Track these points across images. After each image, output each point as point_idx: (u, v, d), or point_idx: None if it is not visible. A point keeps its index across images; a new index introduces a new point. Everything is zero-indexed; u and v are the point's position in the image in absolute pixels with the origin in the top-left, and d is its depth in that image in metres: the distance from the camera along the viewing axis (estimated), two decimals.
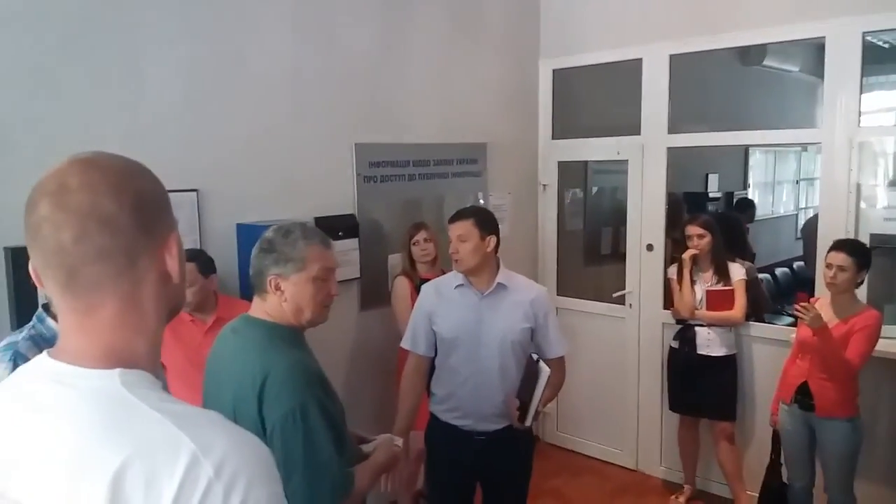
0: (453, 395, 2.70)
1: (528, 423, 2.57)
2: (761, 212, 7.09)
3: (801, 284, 6.76)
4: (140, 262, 0.88)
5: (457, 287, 2.71)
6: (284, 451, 1.60)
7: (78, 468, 0.80)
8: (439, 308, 2.72)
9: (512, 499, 2.82)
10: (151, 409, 0.83)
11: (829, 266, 3.04)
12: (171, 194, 0.97)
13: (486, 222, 2.66)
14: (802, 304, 2.96)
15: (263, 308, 1.77)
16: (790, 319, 5.30)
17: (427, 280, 3.46)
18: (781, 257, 7.53)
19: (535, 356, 2.58)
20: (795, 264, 7.48)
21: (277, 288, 1.73)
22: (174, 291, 0.95)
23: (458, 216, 2.68)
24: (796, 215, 8.30)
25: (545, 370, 2.50)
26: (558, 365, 2.77)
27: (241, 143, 3.20)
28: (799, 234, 7.70)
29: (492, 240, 2.65)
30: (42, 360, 0.90)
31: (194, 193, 2.98)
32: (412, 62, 3.98)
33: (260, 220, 3.17)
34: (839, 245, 3.07)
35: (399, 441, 2.04)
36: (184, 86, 3.01)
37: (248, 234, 3.11)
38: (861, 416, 3.10)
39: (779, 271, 7.34)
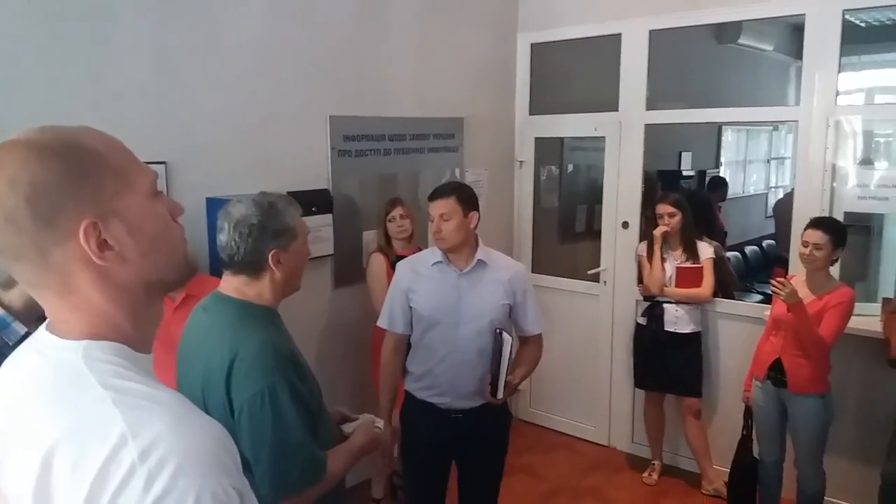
0: (430, 373, 2.67)
1: (499, 395, 2.54)
2: (732, 190, 7.14)
3: (771, 262, 6.88)
4: (52, 257, 0.84)
5: (434, 264, 2.66)
6: (252, 434, 1.56)
7: (21, 436, 0.82)
8: (416, 285, 2.68)
9: (488, 476, 2.81)
10: (98, 385, 0.81)
11: (805, 243, 3.05)
12: None
13: (468, 198, 2.61)
14: (779, 279, 2.97)
15: (238, 287, 1.69)
16: (759, 297, 5.40)
17: (403, 257, 3.41)
18: (752, 236, 7.62)
19: (498, 329, 2.55)
20: (765, 242, 7.59)
21: (278, 262, 1.67)
22: (133, 265, 0.88)
23: (439, 193, 2.62)
24: (766, 194, 8.38)
25: (508, 339, 2.49)
26: (536, 342, 2.77)
27: (211, 114, 3.10)
28: (770, 213, 7.79)
29: (474, 216, 2.61)
30: (40, 330, 0.91)
31: (162, 166, 2.87)
32: (389, 34, 3.89)
33: (231, 194, 3.05)
34: (816, 223, 3.08)
35: (380, 423, 2.00)
36: (153, 54, 2.89)
37: (218, 209, 2.99)
38: (832, 392, 3.14)
39: (749, 249, 7.43)
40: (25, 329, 1.65)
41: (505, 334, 2.51)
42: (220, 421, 1.46)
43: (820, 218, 3.18)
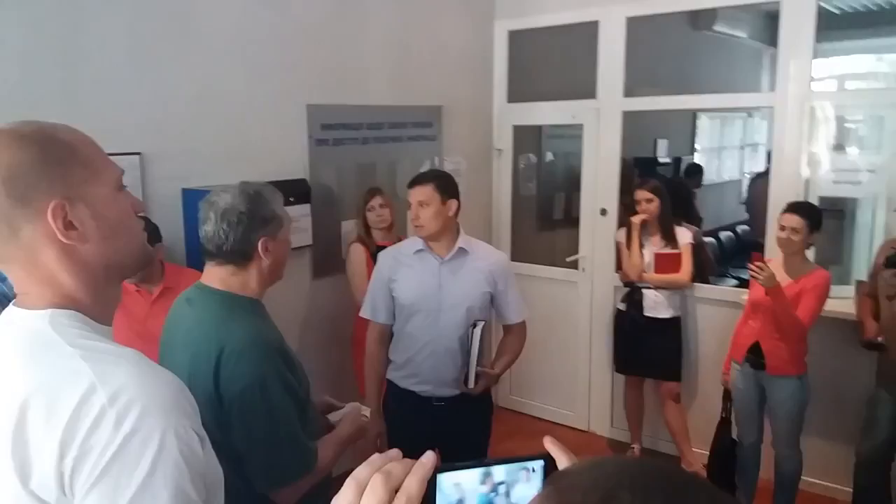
0: (412, 361, 2.67)
1: (469, 384, 2.55)
2: (707, 177, 7.20)
3: (746, 248, 6.96)
4: (22, 233, 0.93)
5: (416, 252, 2.66)
6: (245, 428, 1.54)
7: None
8: (398, 274, 2.67)
9: None
10: (66, 345, 0.90)
11: (782, 227, 3.08)
12: (112, 157, 1.03)
13: (447, 186, 2.61)
14: (757, 263, 3.00)
15: (224, 277, 1.66)
16: (735, 281, 5.47)
17: (383, 247, 3.39)
18: (726, 221, 7.70)
19: (473, 322, 2.56)
20: (740, 228, 7.68)
21: (266, 249, 1.64)
22: (95, 247, 0.97)
23: (418, 180, 2.62)
24: (741, 180, 8.47)
25: (478, 328, 2.51)
26: (518, 330, 2.78)
27: (187, 103, 3.05)
28: (743, 199, 7.88)
29: (453, 204, 2.61)
30: (11, 306, 1.00)
31: (137, 157, 2.82)
32: (366, 21, 3.85)
33: (207, 184, 3.02)
34: (793, 207, 3.11)
35: (366, 411, 2.00)
36: (128, 43, 2.83)
37: (194, 200, 2.96)
38: (808, 374, 3.19)
39: (723, 235, 7.52)
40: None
41: (478, 322, 2.52)
42: (207, 414, 1.46)
43: (796, 202, 3.22)
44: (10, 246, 0.94)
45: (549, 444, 0.70)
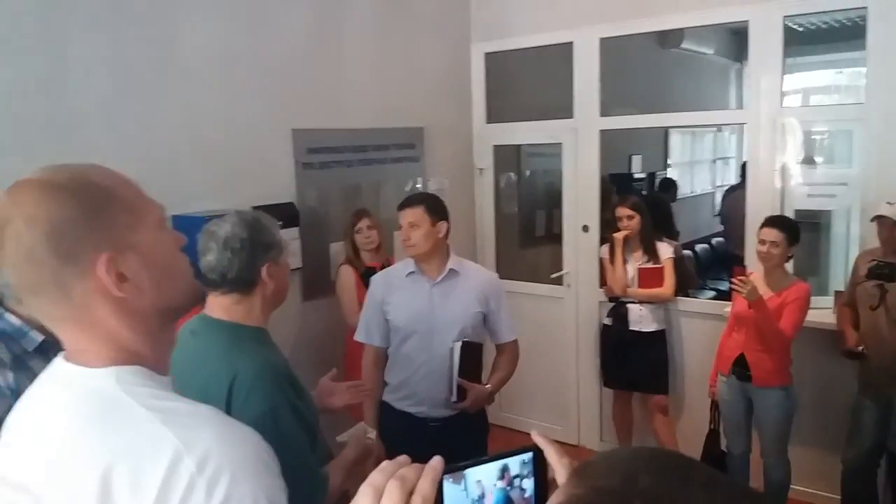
0: (407, 383, 2.69)
1: (453, 398, 2.59)
2: (681, 191, 7.34)
3: (721, 260, 7.10)
4: (73, 292, 0.88)
5: (408, 275, 2.68)
6: None
7: (74, 467, 0.84)
8: (391, 297, 2.69)
9: None
10: (141, 407, 0.86)
11: (762, 241, 3.14)
12: None
13: (437, 208, 2.65)
14: (739, 277, 3.06)
15: (228, 307, 1.65)
16: (713, 293, 5.57)
17: (372, 268, 3.43)
18: (701, 234, 7.83)
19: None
20: (714, 240, 7.81)
21: (270, 275, 1.65)
22: (148, 295, 0.93)
23: (409, 202, 2.66)
24: (713, 193, 8.64)
25: (457, 346, 2.56)
26: (511, 349, 2.82)
27: (174, 130, 3.06)
28: (717, 211, 8.02)
29: (443, 226, 2.65)
30: (56, 362, 0.94)
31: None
32: (346, 46, 3.90)
33: (197, 210, 3.03)
34: (771, 221, 3.18)
35: (372, 433, 2.04)
36: (111, 71, 2.84)
37: (184, 226, 2.94)
38: (793, 384, 3.25)
39: (699, 248, 7.64)
40: (42, 337, 1.62)
41: (454, 343, 2.57)
42: None
43: (775, 217, 3.29)
44: (61, 304, 0.88)
45: (536, 437, 0.75)
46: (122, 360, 0.91)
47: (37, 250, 0.85)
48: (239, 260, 1.62)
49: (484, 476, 0.70)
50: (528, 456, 0.73)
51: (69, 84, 2.71)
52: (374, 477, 0.68)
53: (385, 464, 0.70)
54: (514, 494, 0.72)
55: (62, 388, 0.91)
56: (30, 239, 0.85)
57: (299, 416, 1.61)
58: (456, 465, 0.70)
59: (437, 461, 0.69)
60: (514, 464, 0.72)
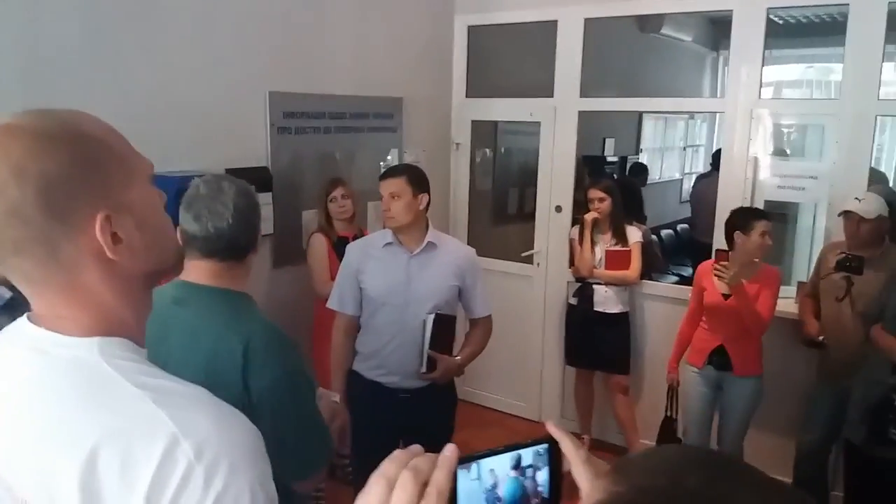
0: (379, 353, 2.69)
1: (423, 369, 2.61)
2: (650, 176, 7.42)
3: (686, 246, 7.22)
4: (61, 253, 0.80)
5: (385, 245, 2.67)
6: (276, 420, 1.52)
7: (51, 445, 0.77)
8: (367, 267, 2.68)
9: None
10: (129, 384, 0.79)
11: (763, 234, 3.10)
12: None
13: (419, 180, 2.64)
14: (722, 262, 3.06)
15: (217, 273, 1.60)
16: (676, 278, 5.67)
17: (344, 237, 3.40)
18: (667, 220, 7.94)
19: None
20: (679, 226, 7.93)
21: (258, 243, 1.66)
22: (139, 258, 0.86)
23: (391, 173, 2.65)
24: (681, 180, 8.75)
25: (429, 318, 2.58)
26: (484, 324, 2.83)
27: (148, 89, 2.96)
28: (685, 198, 8.14)
29: (424, 198, 2.64)
30: (21, 326, 0.85)
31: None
32: (328, 9, 3.81)
33: (168, 171, 2.96)
34: (765, 214, 3.19)
35: (336, 396, 2.05)
36: (85, 22, 2.74)
37: (157, 185, 2.90)
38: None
39: (664, 233, 7.75)
40: (10, 294, 1.54)
41: (427, 315, 2.58)
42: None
43: (760, 209, 3.29)
44: (48, 268, 0.80)
45: (552, 429, 0.73)
46: (104, 329, 0.83)
47: (24, 206, 0.76)
48: (249, 227, 1.60)
49: (497, 466, 0.69)
50: (542, 447, 0.72)
51: (41, 35, 2.60)
52: (386, 467, 0.65)
53: (397, 453, 0.67)
54: (528, 485, 0.71)
55: (32, 356, 0.82)
56: (17, 193, 0.76)
57: (306, 378, 1.63)
58: (469, 454, 0.68)
59: (451, 451, 0.66)
60: (528, 454, 0.71)
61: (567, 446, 0.71)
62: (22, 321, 0.85)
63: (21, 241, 0.78)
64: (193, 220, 1.57)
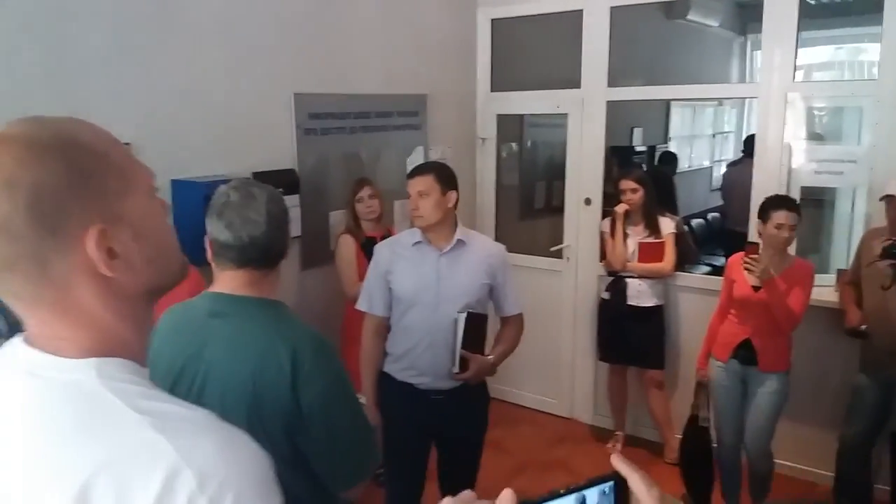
0: (410, 354, 2.65)
1: (455, 369, 2.56)
2: (679, 165, 7.30)
3: (717, 236, 7.09)
4: (53, 269, 0.75)
5: (414, 244, 2.63)
6: (330, 426, 1.51)
7: (43, 475, 0.72)
8: (396, 267, 2.64)
9: (468, 457, 2.82)
10: (129, 409, 0.74)
11: (779, 226, 2.96)
12: None
13: (447, 177, 2.60)
14: (752, 255, 2.94)
15: (252, 282, 1.56)
16: (707, 268, 5.56)
17: (372, 238, 3.38)
18: (697, 209, 7.81)
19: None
20: (710, 215, 7.80)
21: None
22: (139, 274, 0.81)
23: (419, 171, 2.61)
24: (710, 168, 8.60)
25: (461, 317, 2.53)
26: (516, 322, 2.79)
27: (174, 93, 2.96)
28: (715, 186, 7.99)
29: (452, 195, 2.59)
30: (14, 347, 0.80)
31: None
32: (351, 8, 3.79)
33: (196, 175, 2.97)
34: (786, 204, 3.01)
35: (363, 398, 2.04)
36: (112, 29, 2.74)
37: (183, 191, 2.91)
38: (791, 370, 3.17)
39: (694, 222, 7.63)
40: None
41: (458, 314, 2.53)
42: (279, 426, 1.42)
43: (785, 197, 3.13)
44: (39, 286, 0.76)
45: (618, 463, 0.67)
46: (103, 350, 0.78)
47: (14, 220, 0.72)
48: (282, 233, 1.58)
49: None
50: (608, 485, 0.67)
51: (68, 38, 2.61)
52: None
53: (448, 500, 0.64)
54: None
55: (27, 380, 0.76)
56: (7, 206, 0.72)
57: (350, 383, 1.62)
58: (528, 499, 0.64)
59: (508, 497, 0.62)
60: (593, 495, 0.66)
61: (636, 483, 0.66)
62: (16, 342, 0.81)
63: (9, 257, 0.74)
64: (226, 228, 1.52)
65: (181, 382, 1.53)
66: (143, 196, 0.82)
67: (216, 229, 1.54)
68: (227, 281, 1.56)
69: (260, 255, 1.54)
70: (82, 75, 2.65)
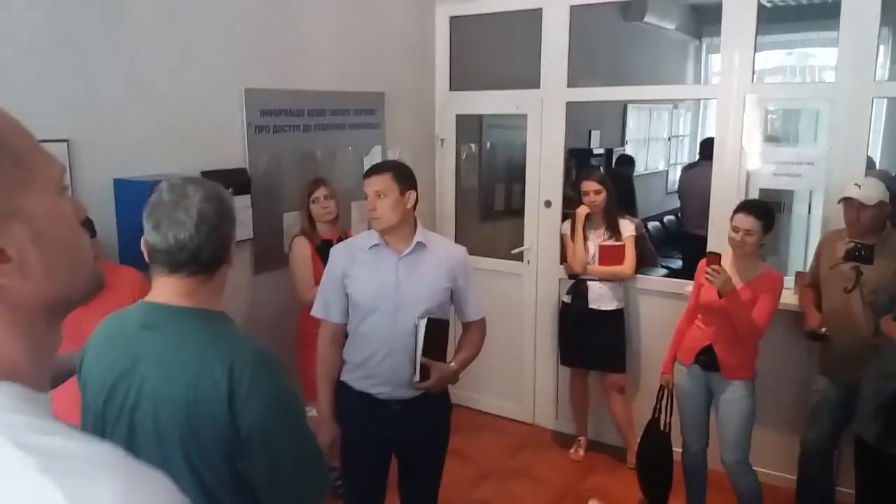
0: (368, 363, 2.53)
1: (416, 378, 2.47)
2: (636, 168, 7.32)
3: (673, 238, 7.14)
4: None
5: (372, 247, 2.52)
6: (271, 448, 1.37)
7: None
8: (353, 271, 2.52)
9: (429, 467, 2.72)
10: (12, 446, 0.59)
11: (735, 229, 2.94)
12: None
13: (406, 176, 2.49)
14: (713, 266, 2.89)
15: (189, 291, 1.42)
16: (664, 271, 5.57)
17: (328, 240, 3.25)
18: (653, 212, 7.87)
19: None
20: (666, 218, 7.86)
21: (231, 254, 1.47)
22: (38, 282, 0.68)
23: (376, 170, 2.49)
24: (666, 171, 8.68)
25: (421, 323, 2.44)
26: (478, 327, 2.70)
27: (117, 87, 2.80)
28: (671, 189, 8.06)
29: (411, 195, 2.49)
30: None
31: (64, 144, 2.56)
32: (305, 1, 3.65)
33: (140, 174, 2.80)
34: (747, 208, 2.98)
35: (313, 411, 1.89)
36: (51, 18, 2.56)
37: (126, 191, 2.75)
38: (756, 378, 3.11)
39: (651, 225, 7.67)
40: None
41: (419, 319, 2.44)
42: (217, 448, 1.28)
43: (750, 202, 3.10)
44: None
45: None
46: None
47: None
48: (215, 236, 1.41)
49: None
50: None
51: (3, 32, 2.43)
52: None
53: None
54: None
55: None
56: None
57: (297, 401, 1.48)
58: None
59: None
60: None
61: None
62: None
63: None
64: (153, 229, 1.40)
65: (112, 400, 1.39)
66: (49, 193, 0.70)
67: (147, 231, 1.41)
68: (161, 288, 1.43)
69: (189, 259, 1.40)
70: (18, 67, 2.47)
